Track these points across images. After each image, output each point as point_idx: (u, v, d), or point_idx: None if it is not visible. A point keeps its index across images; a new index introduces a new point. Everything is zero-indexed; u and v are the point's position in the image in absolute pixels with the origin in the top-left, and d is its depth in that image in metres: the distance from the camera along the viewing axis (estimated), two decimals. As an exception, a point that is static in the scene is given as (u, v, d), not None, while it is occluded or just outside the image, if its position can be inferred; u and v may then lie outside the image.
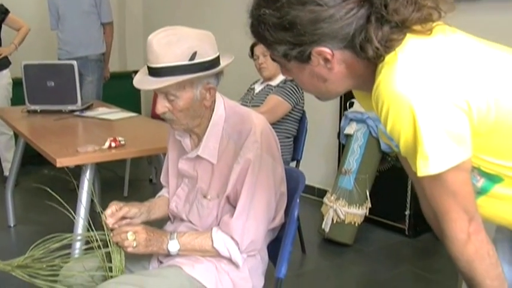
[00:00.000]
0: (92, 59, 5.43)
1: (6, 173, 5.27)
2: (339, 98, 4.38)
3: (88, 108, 4.12)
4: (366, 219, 4.02)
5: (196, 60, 1.81)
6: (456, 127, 1.12)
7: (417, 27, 1.17)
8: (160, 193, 2.26)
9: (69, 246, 2.08)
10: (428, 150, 1.11)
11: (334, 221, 3.92)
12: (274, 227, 2.04)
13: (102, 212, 1.96)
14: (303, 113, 3.70)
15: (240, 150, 1.89)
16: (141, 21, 7.36)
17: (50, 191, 2.09)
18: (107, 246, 1.92)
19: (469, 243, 1.21)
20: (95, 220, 2.06)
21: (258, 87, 3.77)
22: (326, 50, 1.19)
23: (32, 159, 4.43)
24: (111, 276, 1.91)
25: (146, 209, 2.09)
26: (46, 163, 2.81)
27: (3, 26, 5.25)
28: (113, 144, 2.84)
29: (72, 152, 2.77)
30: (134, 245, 1.88)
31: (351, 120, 4.06)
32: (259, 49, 3.56)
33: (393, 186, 4.02)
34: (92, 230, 1.93)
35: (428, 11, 1.17)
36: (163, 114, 1.90)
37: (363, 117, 3.89)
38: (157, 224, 2.10)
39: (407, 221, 4.10)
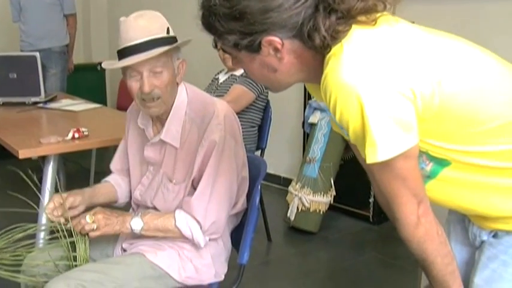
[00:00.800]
0: (55, 51, 5.38)
1: (-31, 167, 5.19)
2: (302, 87, 4.41)
3: (52, 100, 4.08)
4: (331, 207, 4.06)
5: (170, 34, 1.92)
6: (402, 115, 1.15)
7: (362, 18, 1.20)
8: (106, 178, 2.26)
9: (33, 236, 2.07)
10: (376, 137, 1.14)
11: (299, 209, 3.96)
12: (237, 212, 2.06)
13: (64, 204, 1.96)
14: (267, 102, 3.73)
15: (203, 133, 1.92)
16: (106, 12, 7.29)
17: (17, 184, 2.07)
18: (71, 236, 1.92)
19: (419, 225, 1.26)
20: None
21: (222, 77, 3.78)
22: (276, 39, 1.21)
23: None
24: (76, 266, 1.92)
25: (88, 195, 2.07)
26: (11, 156, 2.79)
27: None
28: (76, 135, 2.82)
29: (35, 143, 2.75)
30: (94, 227, 1.89)
31: (315, 109, 4.09)
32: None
33: (357, 174, 3.97)
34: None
35: (374, 1, 1.20)
36: (151, 92, 1.89)
37: (325, 105, 3.92)
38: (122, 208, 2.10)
39: (371, 208, 4.15)
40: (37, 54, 3.98)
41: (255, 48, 1.24)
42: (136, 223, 1.93)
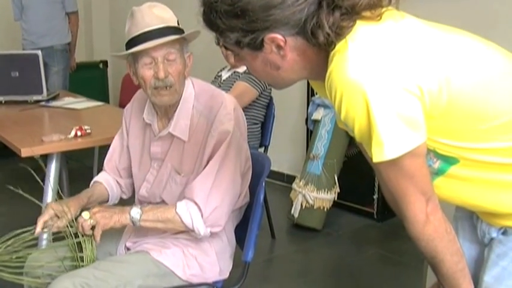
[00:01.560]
0: (57, 49, 5.36)
1: (-28, 166, 5.20)
2: (306, 84, 4.39)
3: (54, 98, 4.07)
4: (335, 204, 4.05)
5: (180, 26, 1.96)
6: (409, 112, 1.13)
7: (367, 14, 1.18)
8: (96, 178, 2.22)
9: (36, 238, 2.06)
10: (382, 136, 1.12)
11: (303, 206, 3.95)
12: (240, 207, 2.05)
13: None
14: (270, 99, 3.71)
15: (212, 123, 1.91)
16: (107, 10, 7.28)
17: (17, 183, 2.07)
18: (77, 237, 1.91)
19: (428, 223, 1.24)
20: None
21: (225, 74, 3.76)
22: (278, 36, 1.19)
23: (-1, 152, 4.37)
24: (83, 266, 1.90)
25: (85, 203, 2.03)
26: (13, 155, 2.78)
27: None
28: (79, 133, 2.82)
29: (37, 141, 2.74)
30: (93, 222, 1.86)
31: (319, 105, 4.08)
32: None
33: (361, 170, 4.00)
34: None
35: None
36: (165, 79, 1.90)
37: (330, 102, 3.90)
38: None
39: (375, 205, 4.14)
40: (39, 52, 3.97)
41: (257, 46, 1.22)
42: (135, 212, 1.89)
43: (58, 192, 2.64)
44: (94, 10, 7.20)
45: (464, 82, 1.21)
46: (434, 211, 1.24)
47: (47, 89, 4.04)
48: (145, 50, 1.88)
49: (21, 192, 2.00)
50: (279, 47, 1.21)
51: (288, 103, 4.61)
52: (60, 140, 2.77)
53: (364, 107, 1.12)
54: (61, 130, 2.88)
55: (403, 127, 1.13)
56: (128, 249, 2.04)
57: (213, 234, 1.96)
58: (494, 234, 1.40)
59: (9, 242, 1.91)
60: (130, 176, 2.18)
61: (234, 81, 3.58)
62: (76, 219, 1.91)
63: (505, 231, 1.37)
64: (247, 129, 2.06)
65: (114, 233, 2.04)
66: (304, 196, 3.93)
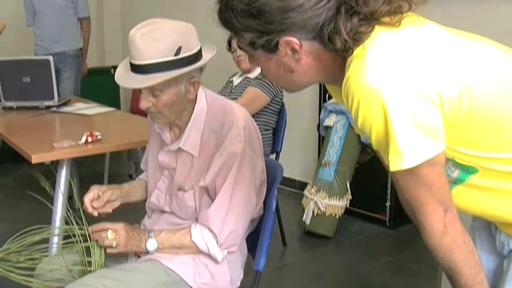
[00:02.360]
0: (69, 55, 5.38)
1: (-17, 171, 5.21)
2: (318, 90, 4.37)
3: (65, 103, 4.07)
4: (347, 211, 4.02)
5: (181, 55, 1.78)
6: (428, 120, 1.10)
7: (386, 19, 1.15)
8: (140, 176, 2.26)
9: (47, 240, 2.06)
10: (400, 144, 1.10)
11: (315, 213, 3.92)
12: (253, 219, 2.03)
13: (80, 208, 1.94)
14: (282, 105, 3.69)
15: (222, 142, 1.87)
16: (119, 16, 7.30)
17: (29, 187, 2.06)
18: (86, 241, 1.90)
19: (446, 234, 1.21)
20: (74, 216, 2.04)
21: (236, 80, 3.75)
22: (294, 40, 1.17)
23: (10, 157, 4.37)
24: (90, 271, 1.89)
25: (126, 191, 2.10)
26: (24, 161, 2.78)
27: (-23, 22, 5.17)
28: (90, 139, 2.81)
29: (48, 147, 2.73)
30: (114, 244, 1.87)
31: (331, 111, 4.05)
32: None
33: (373, 177, 4.02)
34: (73, 224, 1.92)
35: (399, 3, 1.16)
36: (148, 109, 1.87)
37: (342, 108, 3.88)
38: (135, 209, 2.09)
39: (387, 212, 4.11)
40: (50, 58, 3.97)
41: (272, 48, 1.20)
42: (151, 244, 1.91)
43: (69, 198, 2.64)
44: (106, 16, 7.23)
45: (484, 90, 1.18)
46: (452, 221, 1.21)
47: (59, 95, 4.05)
48: None
49: (35, 195, 2.00)
50: (294, 50, 1.19)
51: (300, 109, 4.59)
52: (71, 146, 2.76)
53: (382, 114, 1.09)
54: (72, 136, 2.87)
55: (422, 135, 1.10)
56: (139, 256, 2.02)
57: None
58: None
59: (21, 243, 1.90)
60: None
61: (246, 87, 3.56)
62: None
63: None
64: (259, 135, 2.03)
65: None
66: (315, 203, 3.90)
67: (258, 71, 3.59)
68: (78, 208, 1.95)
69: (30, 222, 1.90)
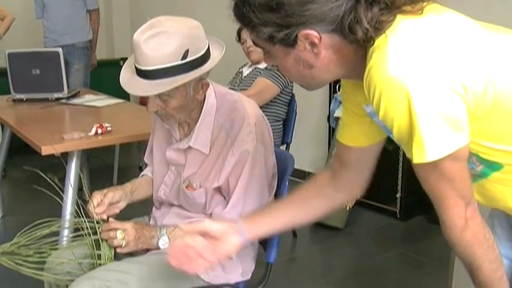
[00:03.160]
0: (78, 47, 5.37)
1: (-7, 163, 5.22)
2: (328, 81, 4.35)
3: (75, 95, 4.07)
4: (357, 203, 3.98)
5: (188, 59, 1.74)
6: (453, 112, 1.08)
7: (407, 8, 1.12)
8: (143, 172, 2.23)
9: (57, 233, 2.05)
10: (424, 136, 1.07)
11: (325, 205, 3.89)
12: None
13: (89, 200, 1.93)
14: (292, 96, 3.67)
15: (233, 140, 1.86)
16: (128, 8, 7.29)
17: (37, 180, 2.06)
18: (96, 234, 1.89)
19: (467, 229, 1.19)
20: (83, 208, 2.03)
21: (246, 71, 3.73)
22: (313, 33, 1.14)
23: (20, 150, 4.39)
24: (100, 264, 1.88)
25: (129, 190, 2.06)
26: (34, 153, 2.78)
27: (-13, 15, 5.17)
28: (99, 131, 2.80)
29: (58, 139, 2.73)
30: (123, 244, 1.86)
31: (341, 103, 4.02)
32: (247, 32, 3.51)
33: (384, 169, 3.94)
34: (82, 217, 1.91)
35: None
36: (156, 112, 1.85)
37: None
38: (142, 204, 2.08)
39: (398, 203, 4.09)
40: (59, 49, 3.98)
41: (290, 42, 1.17)
42: (163, 242, 1.91)
43: (79, 190, 2.63)
44: (115, 7, 7.22)
45: (509, 82, 1.15)
46: (473, 216, 1.19)
47: (68, 87, 4.05)
48: None
49: (44, 190, 1.99)
50: (313, 44, 1.16)
51: (310, 100, 4.57)
52: (81, 137, 2.76)
53: (406, 106, 1.06)
54: (81, 128, 2.87)
55: (447, 128, 1.07)
56: (147, 249, 2.01)
57: None
58: None
59: (31, 236, 1.90)
60: None
61: (255, 78, 3.55)
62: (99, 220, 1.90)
63: None
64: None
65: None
66: (326, 195, 3.87)
67: (267, 61, 3.57)
68: (88, 201, 1.94)
69: (40, 215, 1.89)
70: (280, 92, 3.54)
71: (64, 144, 2.70)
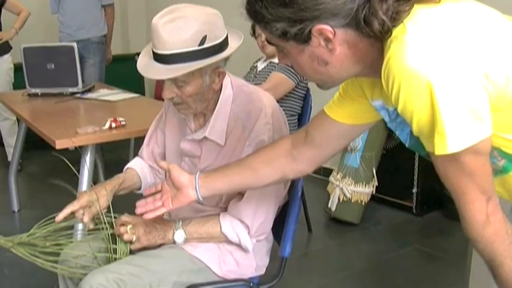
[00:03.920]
0: (93, 41, 5.38)
1: (9, 158, 5.23)
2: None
3: (89, 90, 4.08)
4: (373, 198, 3.98)
5: (206, 45, 1.73)
6: (476, 103, 1.05)
7: None
8: (132, 165, 2.16)
9: (73, 227, 2.05)
10: (446, 128, 1.04)
11: (341, 200, 3.89)
12: (279, 205, 2.00)
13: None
14: (307, 90, 3.64)
15: (250, 131, 1.84)
16: (143, 2, 7.29)
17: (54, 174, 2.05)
18: (112, 228, 1.89)
19: (488, 225, 1.15)
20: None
21: (260, 65, 3.71)
22: (327, 28, 1.12)
23: (36, 144, 4.41)
24: (115, 259, 1.88)
25: (117, 188, 1.99)
26: (49, 148, 2.78)
27: (3, 10, 5.19)
28: (114, 125, 2.81)
29: (72, 133, 2.74)
30: (133, 239, 1.86)
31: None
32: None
33: (400, 163, 3.97)
34: (100, 211, 1.90)
35: None
36: (171, 99, 1.84)
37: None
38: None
39: (414, 199, 4.05)
40: (74, 44, 3.99)
41: (304, 38, 1.15)
42: (179, 236, 1.89)
43: (94, 183, 2.63)
44: (130, 2, 7.23)
45: None
46: (495, 211, 1.15)
47: (83, 81, 4.06)
48: None
49: (60, 182, 1.98)
50: (327, 39, 1.14)
51: (325, 94, 4.50)
52: (95, 131, 2.76)
53: (428, 97, 1.03)
54: (96, 122, 2.87)
55: (470, 119, 1.04)
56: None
57: None
58: None
59: (47, 228, 1.89)
60: None
61: (270, 72, 3.52)
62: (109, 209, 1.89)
63: None
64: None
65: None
66: (341, 189, 3.87)
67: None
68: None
69: (56, 209, 1.88)
70: (295, 87, 3.51)
71: (78, 138, 2.71)
